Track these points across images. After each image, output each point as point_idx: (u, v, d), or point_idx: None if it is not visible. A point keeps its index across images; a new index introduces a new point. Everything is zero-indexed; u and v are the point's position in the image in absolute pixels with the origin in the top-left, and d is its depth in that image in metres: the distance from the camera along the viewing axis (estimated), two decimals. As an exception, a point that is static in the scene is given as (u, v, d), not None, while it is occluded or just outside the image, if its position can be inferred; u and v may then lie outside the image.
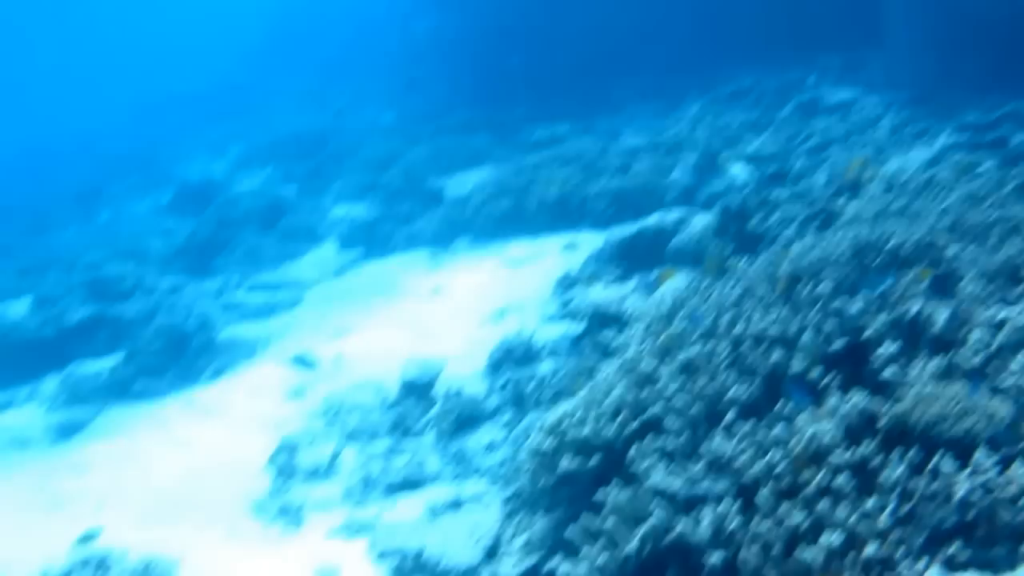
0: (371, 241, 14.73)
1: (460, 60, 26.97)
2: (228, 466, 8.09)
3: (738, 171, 12.25)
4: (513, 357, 8.88)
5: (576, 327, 9.02)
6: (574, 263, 11.45)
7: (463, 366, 9.17)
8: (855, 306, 5.17)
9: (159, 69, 44.32)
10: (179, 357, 10.71)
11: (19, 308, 13.51)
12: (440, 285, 12.14)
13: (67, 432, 9.43)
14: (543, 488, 5.74)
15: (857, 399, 4.32)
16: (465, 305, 11.11)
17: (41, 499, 7.96)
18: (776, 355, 5.03)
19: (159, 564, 6.24)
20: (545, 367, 8.65)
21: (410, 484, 7.27)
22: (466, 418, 8.12)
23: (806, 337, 5.03)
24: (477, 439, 7.86)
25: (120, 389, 10.38)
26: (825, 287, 5.42)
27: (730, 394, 4.92)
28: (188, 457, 8.35)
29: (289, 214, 16.56)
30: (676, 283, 8.21)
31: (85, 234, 19.49)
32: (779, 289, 5.73)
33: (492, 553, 5.80)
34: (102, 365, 11.49)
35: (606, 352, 7.46)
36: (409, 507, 6.84)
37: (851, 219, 7.69)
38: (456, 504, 6.64)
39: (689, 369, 5.37)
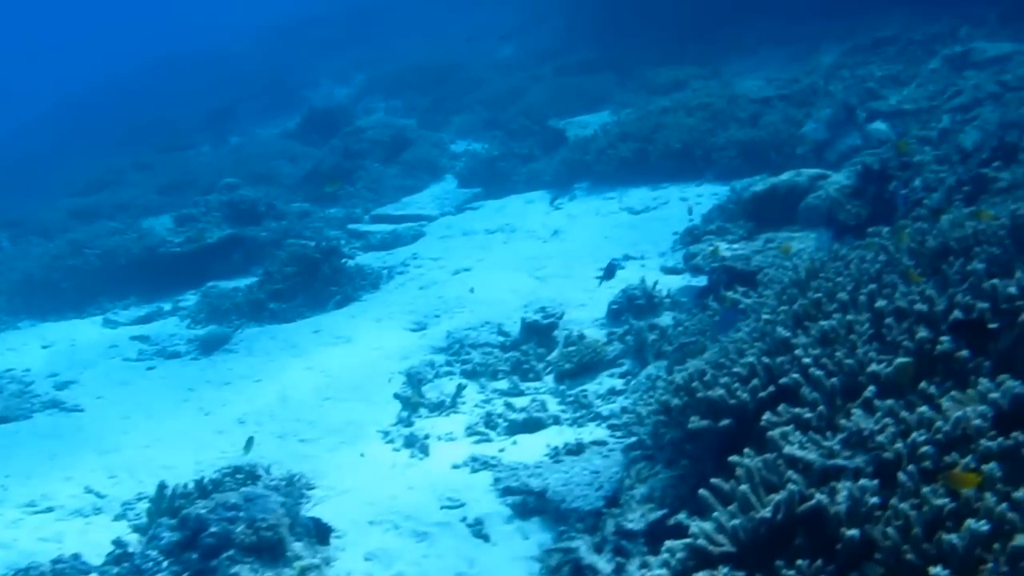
0: (491, 179, 14.95)
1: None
2: (357, 391, 8.51)
3: (876, 127, 11.89)
4: (634, 306, 8.98)
5: (700, 281, 9.07)
6: (698, 214, 11.44)
7: (583, 312, 9.35)
8: (1010, 287, 4.99)
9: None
10: (310, 283, 11.20)
11: (161, 225, 14.28)
12: (560, 227, 12.30)
13: (209, 347, 10.05)
14: (668, 443, 5.87)
15: (1010, 384, 4.28)
16: (585, 249, 11.24)
17: (190, 409, 8.57)
18: (922, 333, 4.95)
19: (300, 480, 6.69)
20: (667, 318, 8.73)
21: (531, 425, 7.51)
22: (586, 363, 8.30)
23: (955, 316, 4.93)
24: (597, 385, 8.03)
25: (255, 310, 10.95)
26: (977, 264, 5.26)
27: (871, 368, 4.89)
28: (320, 380, 8.82)
29: (411, 147, 16.87)
30: (811, 246, 8.16)
31: (219, 156, 20.28)
32: (926, 265, 5.61)
33: (614, 501, 6.00)
34: (238, 283, 12.20)
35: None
36: (531, 447, 7.08)
37: (1007, 188, 7.42)
38: (578, 448, 6.85)
39: (827, 340, 5.34)
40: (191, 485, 6.51)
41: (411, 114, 20.65)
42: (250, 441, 7.10)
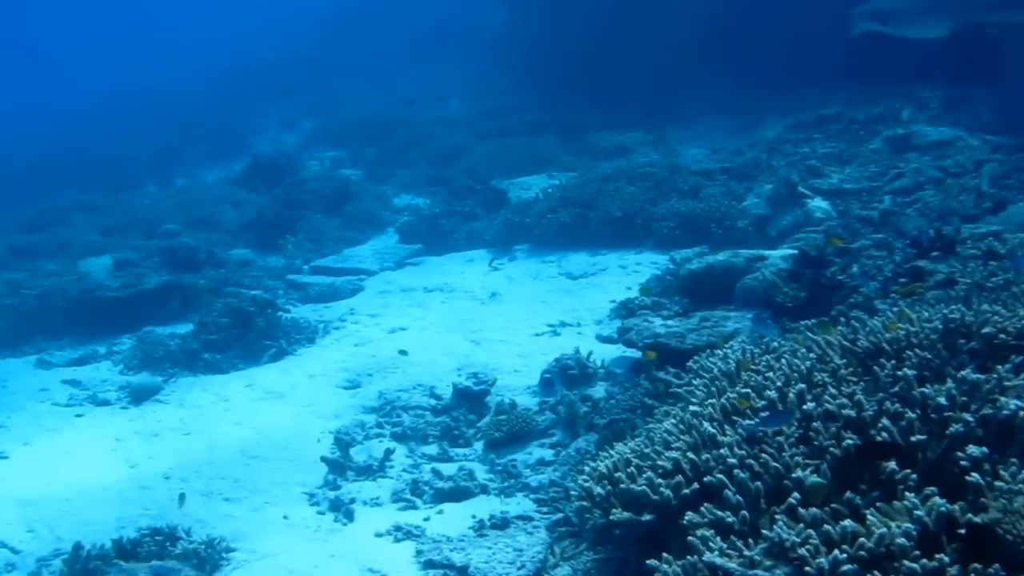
0: (432, 236, 15.08)
1: (530, 57, 27.09)
2: (285, 450, 8.47)
3: (817, 205, 12.23)
4: (567, 375, 9.10)
5: (633, 354, 9.22)
6: (634, 284, 11.68)
7: (516, 379, 9.46)
8: (940, 397, 5.07)
9: (237, 39, 45.07)
10: (244, 335, 11.14)
11: (102, 266, 14.12)
12: (498, 289, 12.43)
13: (140, 396, 9.96)
14: (591, 527, 5.91)
15: (936, 501, 4.31)
16: (521, 313, 11.38)
17: (116, 461, 8.43)
18: (849, 440, 5.02)
19: (220, 543, 6.61)
20: (599, 390, 8.86)
21: (458, 494, 7.54)
22: (517, 433, 8.37)
23: (884, 424, 4.99)
24: (526, 455, 8.11)
25: (189, 359, 10.85)
26: (908, 371, 5.29)
27: (796, 474, 4.94)
28: (249, 436, 8.76)
29: (354, 199, 16.97)
30: (742, 336, 8.34)
31: (163, 198, 20.15)
32: (857, 365, 5.66)
33: (535, 580, 6.05)
34: (174, 330, 12.09)
35: (663, 394, 7.62)
36: (456, 517, 7.10)
37: (942, 284, 7.65)
38: (503, 523, 6.89)
39: (753, 439, 5.38)
40: (108, 545, 6.40)
41: (356, 165, 20.79)
42: (182, 497, 7.04)
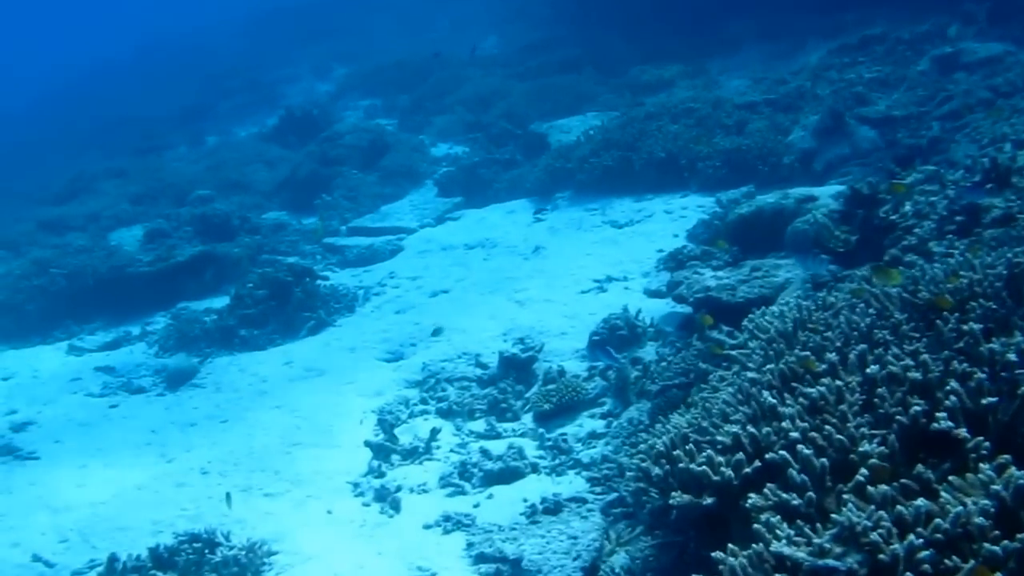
0: (471, 187, 14.56)
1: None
2: (327, 435, 8.15)
3: (864, 135, 11.51)
4: (616, 336, 8.63)
5: (684, 310, 8.72)
6: (682, 230, 11.09)
7: (563, 342, 9.00)
8: (1009, 353, 4.64)
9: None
10: (282, 307, 10.82)
11: (132, 238, 13.86)
12: (541, 243, 11.91)
13: (175, 381, 9.66)
14: (648, 510, 5.55)
15: (1013, 474, 3.92)
16: (566, 268, 10.87)
17: (151, 455, 8.18)
18: (916, 407, 4.60)
19: (262, 547, 6.32)
20: (649, 351, 8.39)
21: (508, 475, 7.16)
22: (566, 404, 7.96)
23: (952, 387, 4.57)
24: (577, 427, 7.70)
25: (225, 337, 10.57)
26: (973, 324, 4.91)
27: (863, 448, 4.55)
28: (289, 422, 8.44)
29: (390, 152, 16.44)
30: (795, 285, 7.81)
31: (194, 159, 19.80)
32: (919, 319, 5.25)
33: (593, 572, 5.69)
34: (209, 304, 11.83)
35: (717, 355, 7.12)
36: (507, 501, 6.74)
37: (1000, 221, 7.05)
38: (555, 507, 6.50)
39: (816, 409, 4.99)
40: (144, 555, 6.16)
41: (391, 114, 20.22)
42: (229, 497, 6.81)
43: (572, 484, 6.91)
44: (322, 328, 10.66)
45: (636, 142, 12.94)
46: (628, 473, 6.03)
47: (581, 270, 10.70)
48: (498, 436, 7.86)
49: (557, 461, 7.30)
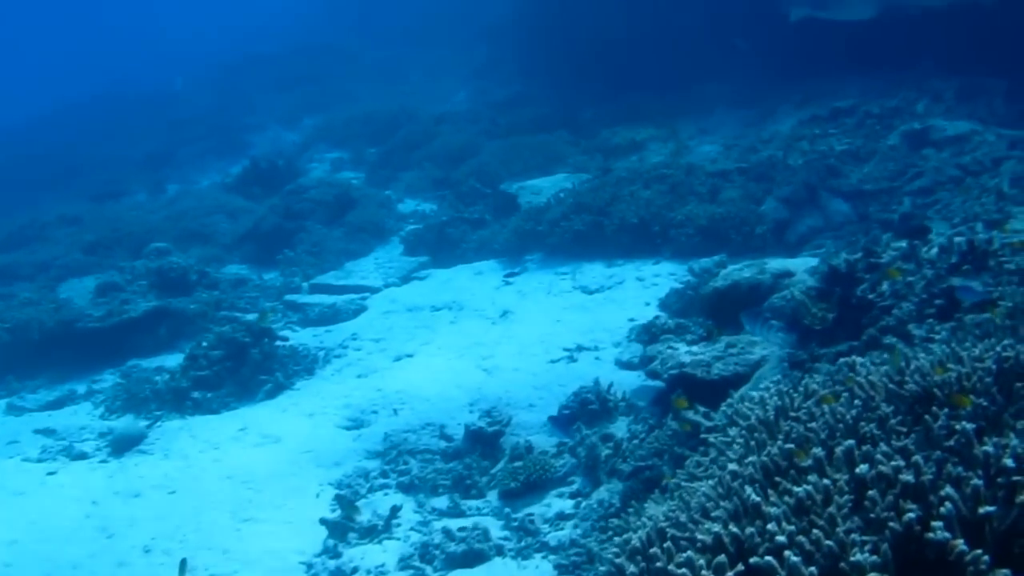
0: (439, 246, 14.29)
1: (538, 45, 26.20)
2: (281, 509, 7.72)
3: (837, 208, 11.47)
4: (587, 411, 8.35)
5: (656, 384, 8.46)
6: (654, 298, 10.90)
7: (532, 415, 8.70)
8: (1005, 459, 4.42)
9: (235, 29, 44.25)
10: (238, 368, 10.37)
11: (84, 290, 13.32)
12: (510, 307, 11.63)
13: (121, 447, 9.11)
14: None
15: None
16: (535, 334, 10.58)
17: (90, 529, 7.65)
18: (909, 513, 4.34)
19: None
20: (621, 426, 8.12)
21: (471, 557, 6.79)
22: (534, 481, 7.63)
23: (947, 493, 4.32)
24: (544, 507, 7.37)
25: (176, 399, 10.08)
26: (966, 424, 4.69)
27: (854, 557, 4.27)
28: (242, 494, 7.98)
29: (356, 207, 16.13)
30: (771, 363, 7.62)
31: (153, 208, 19.29)
32: (906, 412, 5.04)
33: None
34: (162, 362, 11.35)
35: (693, 438, 6.85)
36: (470, 590, 6.36)
37: (980, 304, 6.92)
38: (521, 598, 6.15)
39: (802, 509, 4.71)
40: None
41: (359, 167, 19.97)
42: (184, 564, 6.27)
43: (539, 569, 6.57)
44: (280, 392, 10.22)
45: (608, 207, 12.79)
46: (600, 568, 5.70)
47: (551, 337, 10.42)
48: (462, 514, 7.49)
49: (523, 543, 6.96)
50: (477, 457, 8.14)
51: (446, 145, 18.80)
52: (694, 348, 8.47)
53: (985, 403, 4.96)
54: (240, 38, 41.28)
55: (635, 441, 7.70)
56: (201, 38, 46.85)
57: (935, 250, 8.81)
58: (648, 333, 9.34)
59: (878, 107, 14.03)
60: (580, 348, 10.06)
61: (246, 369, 10.35)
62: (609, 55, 21.36)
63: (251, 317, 12.32)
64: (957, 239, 8.09)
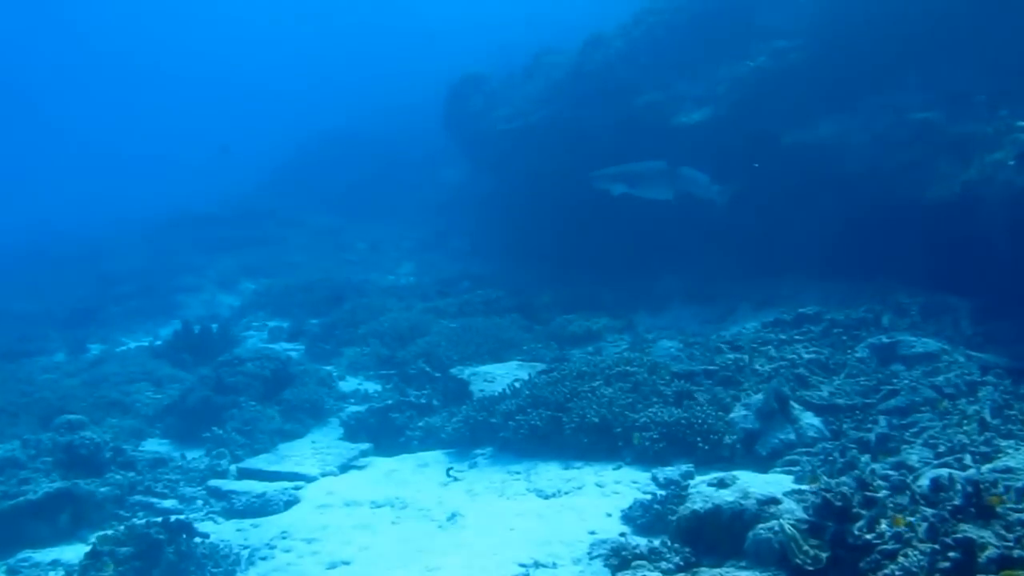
0: (382, 432, 13.32)
1: (488, 223, 26.27)
2: None
3: (809, 422, 10.91)
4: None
5: (630, 623, 7.47)
6: (616, 508, 10.01)
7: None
8: None
9: (176, 187, 44.09)
10: (147, 570, 9.05)
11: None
12: (458, 509, 10.60)
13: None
14: None
15: None
16: (487, 545, 9.52)
17: None
18: None
19: None
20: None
21: None
22: None
23: None
24: None
25: (71, 605, 8.69)
26: None
27: None
28: None
29: (295, 382, 15.12)
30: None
31: (71, 372, 17.92)
32: None
33: None
34: (59, 555, 9.95)
35: None
36: None
37: (998, 561, 6.23)
38: None
39: None
40: None
41: (299, 339, 19.06)
42: None
43: None
44: (193, 604, 8.91)
45: (567, 403, 12.06)
46: None
47: (504, 548, 9.38)
48: None
49: None
50: None
51: (394, 322, 18.08)
52: (670, 581, 7.58)
53: None
54: (179, 197, 40.96)
55: None
56: (138, 193, 46.49)
57: (925, 481, 8.24)
58: (618, 557, 8.39)
59: (843, 316, 13.83)
60: (537, 564, 9.01)
61: (157, 571, 9.03)
62: (562, 240, 21.35)
63: (168, 503, 11.10)
64: (956, 481, 7.50)
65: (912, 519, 7.26)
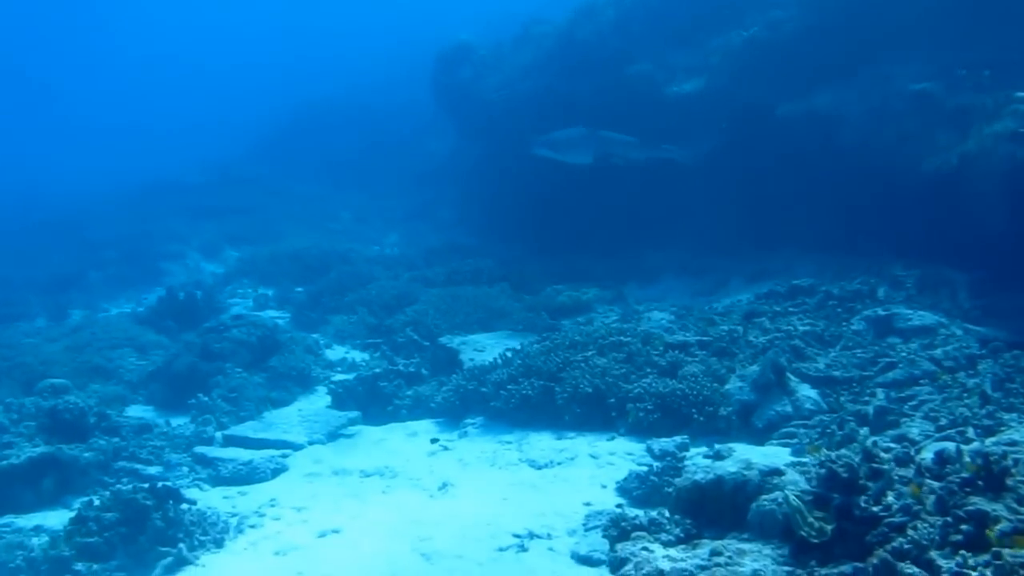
0: (370, 400, 13.12)
1: (476, 193, 25.99)
2: None
3: (806, 394, 10.79)
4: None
5: (628, 593, 7.34)
6: (611, 480, 9.89)
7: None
8: None
9: (161, 155, 43.50)
10: (135, 536, 8.84)
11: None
12: (449, 479, 10.45)
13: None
14: None
15: None
16: (480, 515, 9.38)
17: None
18: None
19: None
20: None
21: None
22: None
23: None
24: None
25: (54, 571, 8.47)
26: None
27: None
28: None
29: (282, 350, 14.90)
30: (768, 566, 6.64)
31: (53, 336, 17.58)
32: None
33: None
34: (42, 521, 9.74)
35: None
36: None
37: (1010, 534, 6.10)
38: None
39: None
40: None
41: (284, 306, 18.81)
42: None
43: None
44: (181, 568, 8.68)
45: (560, 372, 11.91)
46: None
47: (498, 519, 9.24)
48: None
49: None
50: (417, 675, 6.83)
51: (382, 291, 17.84)
52: (673, 552, 7.45)
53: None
54: (164, 164, 40.39)
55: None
56: (123, 160, 45.82)
57: (928, 454, 8.11)
58: (617, 527, 8.26)
59: (838, 288, 13.71)
60: (531, 535, 8.89)
61: (144, 538, 8.83)
62: (550, 212, 21.11)
63: (153, 470, 10.90)
64: (962, 451, 7.38)
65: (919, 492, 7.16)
